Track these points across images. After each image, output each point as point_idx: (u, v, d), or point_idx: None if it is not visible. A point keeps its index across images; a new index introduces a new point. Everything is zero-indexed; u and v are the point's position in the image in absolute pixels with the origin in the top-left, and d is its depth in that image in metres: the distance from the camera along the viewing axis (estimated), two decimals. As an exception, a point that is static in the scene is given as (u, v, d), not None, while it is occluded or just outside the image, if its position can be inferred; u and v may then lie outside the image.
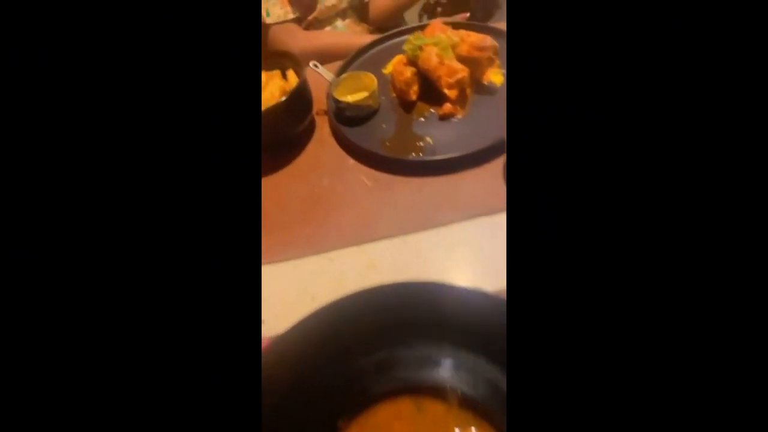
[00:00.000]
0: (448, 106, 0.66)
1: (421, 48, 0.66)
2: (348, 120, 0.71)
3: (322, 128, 0.75)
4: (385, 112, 0.73)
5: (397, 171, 0.64)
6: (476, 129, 0.65)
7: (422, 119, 0.70)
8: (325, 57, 0.88)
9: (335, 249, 0.58)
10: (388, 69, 0.79)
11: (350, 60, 0.82)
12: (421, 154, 0.64)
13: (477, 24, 0.82)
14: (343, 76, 0.73)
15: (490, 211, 0.56)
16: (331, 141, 0.72)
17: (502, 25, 0.81)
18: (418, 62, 0.68)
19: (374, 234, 0.58)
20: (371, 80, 0.71)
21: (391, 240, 0.57)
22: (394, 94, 0.73)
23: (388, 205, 0.61)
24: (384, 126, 0.70)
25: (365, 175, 0.66)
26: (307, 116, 0.72)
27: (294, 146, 0.73)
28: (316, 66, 0.72)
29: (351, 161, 0.68)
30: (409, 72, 0.68)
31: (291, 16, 0.97)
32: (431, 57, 0.65)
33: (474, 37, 0.67)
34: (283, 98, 0.65)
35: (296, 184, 0.67)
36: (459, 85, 0.64)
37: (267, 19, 0.97)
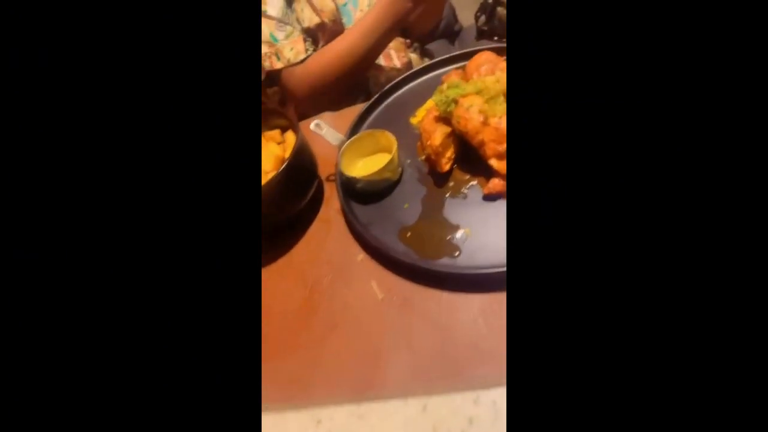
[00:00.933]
0: (496, 183, 0.46)
1: (456, 101, 0.47)
2: (360, 195, 0.54)
3: (331, 201, 0.58)
4: (410, 182, 0.54)
5: (419, 279, 0.46)
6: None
7: (460, 196, 0.50)
8: (334, 83, 0.71)
9: (325, 405, 0.41)
10: (417, 118, 0.61)
11: (366, 110, 0.64)
12: (456, 254, 0.45)
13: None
14: (354, 138, 0.56)
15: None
16: (339, 221, 0.56)
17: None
18: (452, 120, 0.49)
19: (380, 387, 0.39)
20: (390, 142, 0.53)
21: (405, 402, 0.39)
22: (423, 156, 0.55)
23: (404, 336, 0.42)
24: (406, 206, 0.52)
25: (376, 281, 0.48)
26: (309, 190, 0.56)
27: (293, 226, 0.57)
28: (318, 126, 0.56)
29: (361, 255, 0.51)
30: (440, 134, 0.48)
31: (302, 56, 0.79)
32: (471, 115, 0.45)
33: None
34: (276, 173, 0.50)
35: (291, 281, 0.51)
36: (512, 154, 0.44)
37: (277, 63, 0.81)
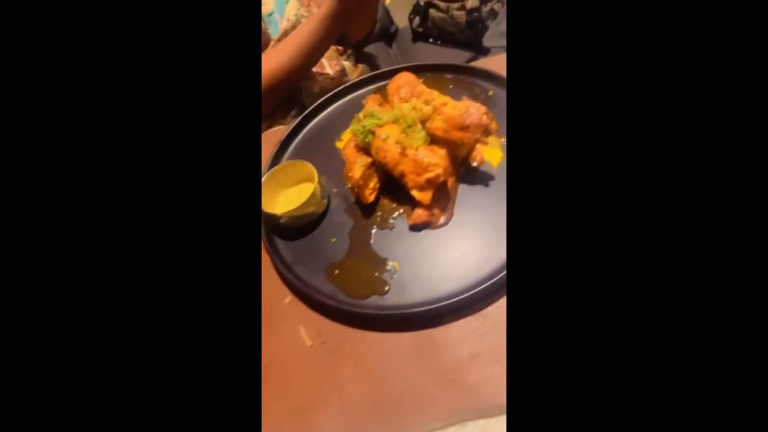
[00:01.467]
0: (420, 213, 0.45)
1: (372, 132, 0.45)
2: (285, 231, 0.51)
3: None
4: (337, 213, 0.52)
5: (348, 321, 0.44)
6: (468, 245, 0.43)
7: (388, 227, 0.48)
8: (264, 101, 0.67)
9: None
10: (342, 142, 0.58)
11: (290, 134, 0.60)
12: (386, 290, 0.43)
13: (466, 67, 0.59)
14: (274, 170, 0.52)
15: (487, 408, 0.34)
16: (265, 259, 0.51)
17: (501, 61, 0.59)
18: (371, 151, 0.47)
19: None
20: (311, 173, 0.50)
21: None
22: (348, 184, 0.52)
23: (334, 386, 0.40)
24: (334, 240, 0.49)
25: (305, 325, 0.45)
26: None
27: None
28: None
29: (288, 297, 0.48)
30: (360, 166, 0.46)
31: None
32: (389, 146, 0.44)
33: (453, 110, 0.44)
34: None
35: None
36: (432, 185, 0.43)
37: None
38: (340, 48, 0.88)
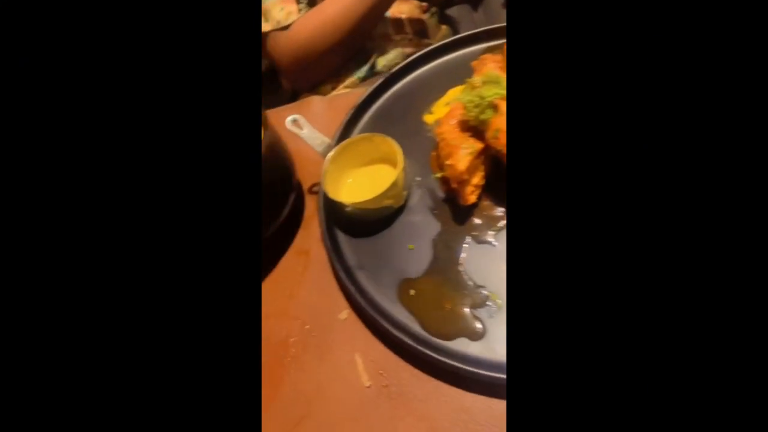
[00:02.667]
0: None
1: (494, 106, 0.31)
2: (349, 224, 0.39)
3: (313, 223, 0.43)
4: (418, 210, 0.39)
5: (422, 365, 0.32)
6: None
7: (488, 242, 0.35)
8: (326, 52, 0.57)
9: None
10: (433, 115, 0.45)
11: (365, 101, 0.47)
12: (478, 333, 0.31)
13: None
14: (345, 144, 0.40)
15: None
16: (321, 255, 0.41)
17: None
18: (487, 134, 0.33)
19: None
20: (393, 153, 0.38)
21: None
22: (439, 174, 0.40)
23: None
24: (411, 247, 0.37)
25: (363, 355, 0.35)
26: (281, 209, 0.41)
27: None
28: (295, 124, 0.40)
29: (345, 312, 0.37)
30: (466, 154, 0.33)
31: (294, 17, 0.63)
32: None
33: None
34: None
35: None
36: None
37: (264, 25, 0.64)
38: (423, 4, 0.74)
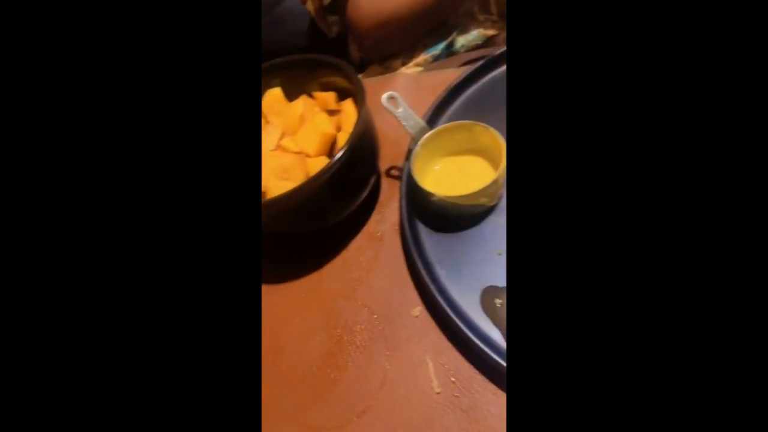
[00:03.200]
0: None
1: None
2: (433, 216, 0.37)
3: (388, 207, 0.41)
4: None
5: (501, 380, 0.30)
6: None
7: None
8: (414, 18, 0.53)
9: None
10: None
11: (462, 82, 0.44)
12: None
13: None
14: (440, 129, 0.37)
15: None
16: (395, 242, 0.40)
17: None
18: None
19: None
20: (495, 144, 0.35)
21: None
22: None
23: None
24: (500, 252, 0.34)
25: (434, 357, 0.33)
26: (361, 192, 0.39)
27: (328, 239, 0.41)
28: (392, 101, 0.37)
29: (419, 309, 0.35)
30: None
31: None
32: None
33: None
34: (323, 171, 0.33)
35: (314, 319, 0.36)
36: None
37: None
38: None
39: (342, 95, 0.41)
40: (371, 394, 0.32)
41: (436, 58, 0.69)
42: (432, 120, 0.42)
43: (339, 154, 0.33)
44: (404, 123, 0.37)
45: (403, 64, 0.72)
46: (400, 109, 0.36)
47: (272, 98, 0.42)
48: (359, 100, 0.36)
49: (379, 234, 0.41)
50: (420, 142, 0.37)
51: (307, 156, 0.37)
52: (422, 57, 0.69)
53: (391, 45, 0.66)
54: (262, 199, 0.35)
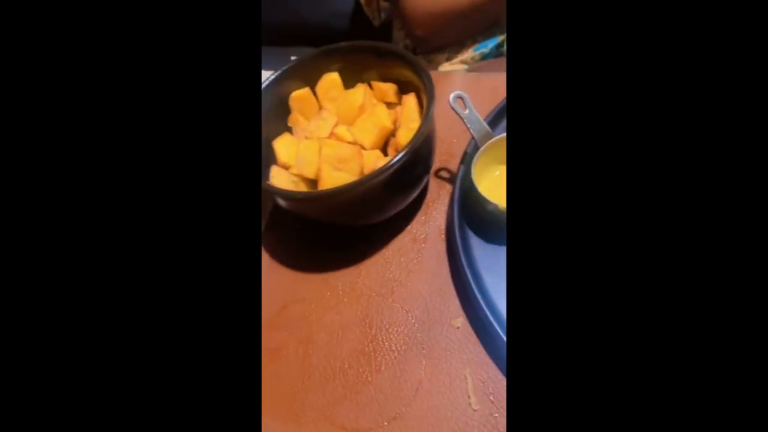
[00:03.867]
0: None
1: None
2: (484, 224, 0.35)
3: (434, 209, 0.40)
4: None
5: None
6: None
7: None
8: (472, 10, 0.51)
9: None
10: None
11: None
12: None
13: None
14: (504, 136, 0.36)
15: None
16: (439, 246, 0.38)
17: None
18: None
19: None
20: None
21: None
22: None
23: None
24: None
25: (474, 372, 0.32)
26: (413, 192, 0.38)
27: (370, 237, 0.39)
28: (460, 101, 0.35)
29: (460, 320, 0.34)
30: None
31: None
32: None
33: None
34: (380, 170, 0.31)
35: (349, 314, 0.36)
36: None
37: None
38: None
39: (402, 89, 0.40)
40: (404, 400, 0.32)
41: (485, 57, 0.66)
42: (492, 124, 0.41)
43: (401, 154, 0.32)
44: (469, 126, 0.35)
45: (448, 59, 0.70)
46: (466, 111, 0.35)
47: (329, 83, 0.40)
48: (428, 98, 0.34)
49: (423, 236, 0.39)
50: (483, 148, 0.35)
51: (363, 148, 0.36)
52: (469, 54, 0.67)
53: (443, 37, 0.64)
54: (317, 188, 0.34)
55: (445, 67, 0.68)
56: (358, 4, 0.74)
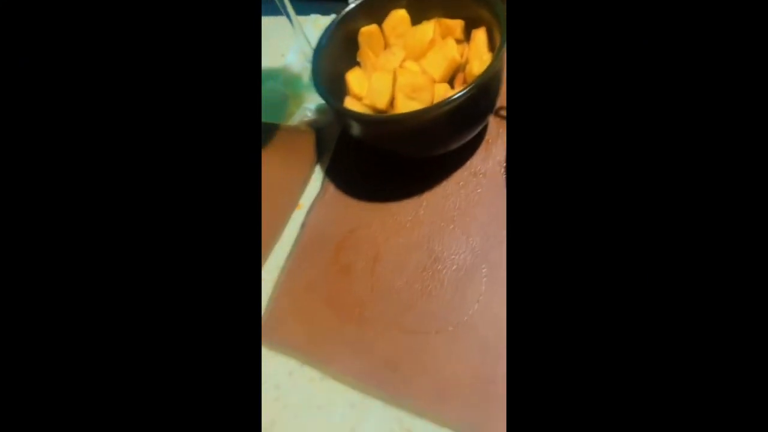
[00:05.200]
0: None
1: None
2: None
3: (494, 146, 0.42)
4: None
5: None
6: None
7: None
8: None
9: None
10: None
11: None
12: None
13: None
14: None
15: None
16: (500, 181, 0.40)
17: None
18: None
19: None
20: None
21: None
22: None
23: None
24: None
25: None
26: (477, 127, 0.39)
27: (429, 168, 0.42)
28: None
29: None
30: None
31: None
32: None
33: None
34: (447, 100, 0.33)
35: (413, 237, 0.39)
36: None
37: None
38: None
39: (470, 25, 0.40)
40: (467, 310, 0.35)
41: None
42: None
43: (471, 85, 0.33)
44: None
45: None
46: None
47: (396, 20, 0.42)
48: (500, 34, 0.35)
49: (483, 171, 0.41)
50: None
51: (431, 80, 0.38)
52: None
53: None
54: (387, 113, 0.36)
55: None
56: None
